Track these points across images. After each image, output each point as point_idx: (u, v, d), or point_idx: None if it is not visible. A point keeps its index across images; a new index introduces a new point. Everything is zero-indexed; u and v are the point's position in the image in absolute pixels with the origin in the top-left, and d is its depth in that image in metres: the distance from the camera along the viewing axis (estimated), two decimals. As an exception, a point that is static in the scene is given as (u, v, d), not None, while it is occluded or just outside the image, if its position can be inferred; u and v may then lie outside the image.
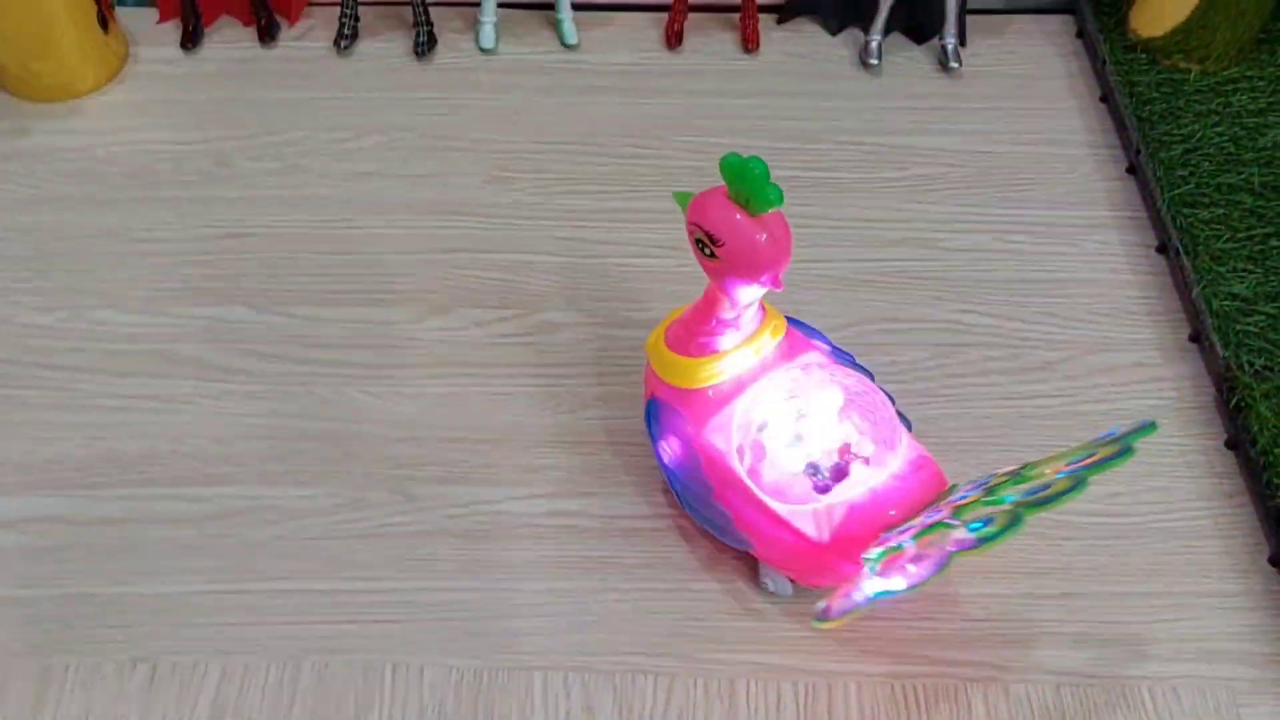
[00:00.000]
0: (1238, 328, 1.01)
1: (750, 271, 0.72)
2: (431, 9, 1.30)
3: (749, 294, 0.75)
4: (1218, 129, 1.17)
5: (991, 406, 1.00)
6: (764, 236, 0.71)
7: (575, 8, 1.32)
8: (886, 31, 1.31)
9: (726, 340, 0.79)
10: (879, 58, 1.29)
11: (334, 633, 0.85)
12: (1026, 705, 0.83)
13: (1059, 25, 1.36)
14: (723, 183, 0.71)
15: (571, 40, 1.30)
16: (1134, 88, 1.21)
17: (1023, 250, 1.13)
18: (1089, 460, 0.68)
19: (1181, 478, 0.96)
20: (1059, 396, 1.01)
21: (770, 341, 0.81)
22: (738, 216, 0.71)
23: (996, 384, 1.02)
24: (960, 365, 1.03)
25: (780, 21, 1.35)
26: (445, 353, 1.02)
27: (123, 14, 1.31)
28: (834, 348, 0.86)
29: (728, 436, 0.79)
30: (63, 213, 1.11)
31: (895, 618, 0.87)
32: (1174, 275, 1.10)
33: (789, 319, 0.84)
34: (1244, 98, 1.20)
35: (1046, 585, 0.90)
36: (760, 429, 0.80)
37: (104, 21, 1.23)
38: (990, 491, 0.73)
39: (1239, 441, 0.96)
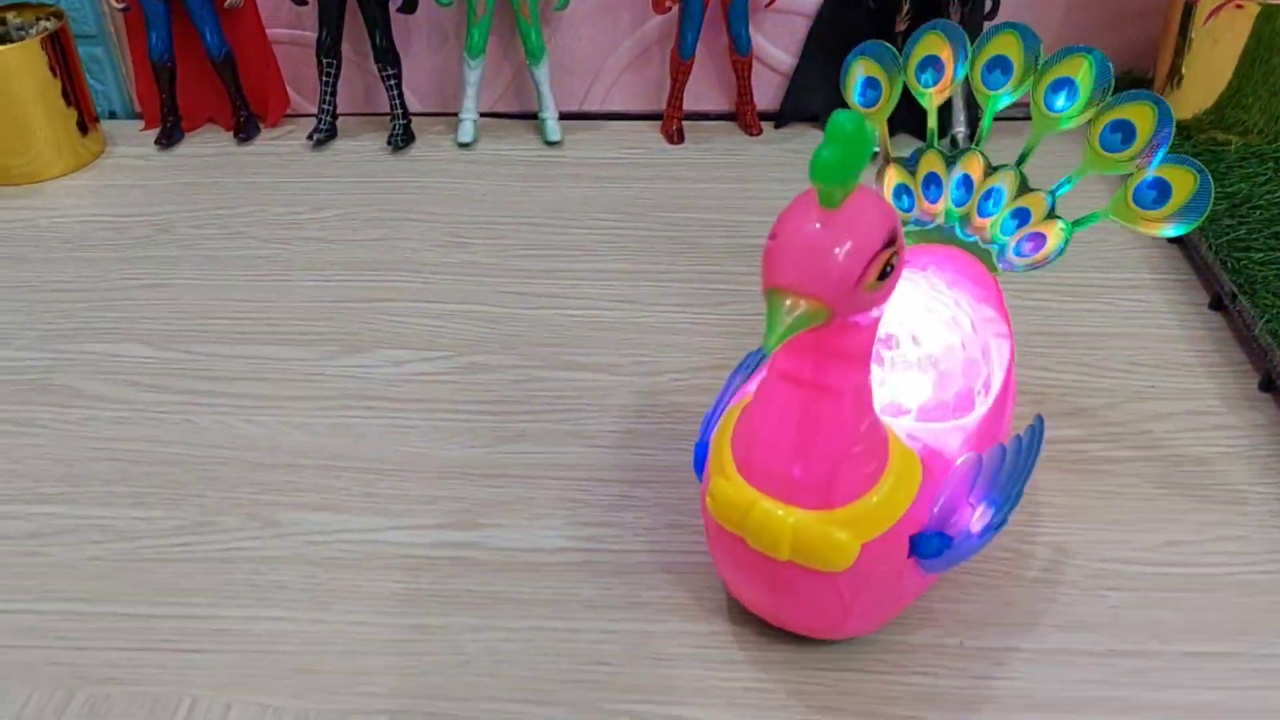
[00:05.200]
0: (1316, 358, 0.81)
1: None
2: (417, 116, 1.27)
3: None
4: (1267, 186, 1.01)
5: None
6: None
7: (565, 117, 1.27)
8: (892, 131, 1.22)
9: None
10: (880, 148, 1.19)
11: (126, 660, 0.65)
12: (1058, 783, 0.58)
13: (1083, 125, 1.26)
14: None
15: (554, 137, 1.24)
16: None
17: (1046, 307, 0.96)
18: None
19: (1267, 526, 0.74)
20: (1096, 441, 0.81)
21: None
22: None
23: (1014, 427, 0.82)
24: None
25: (778, 126, 1.28)
26: (351, 387, 0.87)
27: (114, 125, 1.30)
28: None
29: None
30: (-15, 272, 1.04)
31: (868, 669, 0.64)
32: (1235, 330, 0.91)
33: None
34: (1297, 162, 1.06)
35: (1083, 641, 0.66)
36: None
37: (84, 127, 1.22)
38: None
39: (1336, 482, 0.74)
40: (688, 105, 1.26)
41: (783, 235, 0.48)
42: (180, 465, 0.80)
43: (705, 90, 1.28)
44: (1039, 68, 0.70)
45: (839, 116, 0.45)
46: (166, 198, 1.15)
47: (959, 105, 1.18)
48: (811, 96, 1.26)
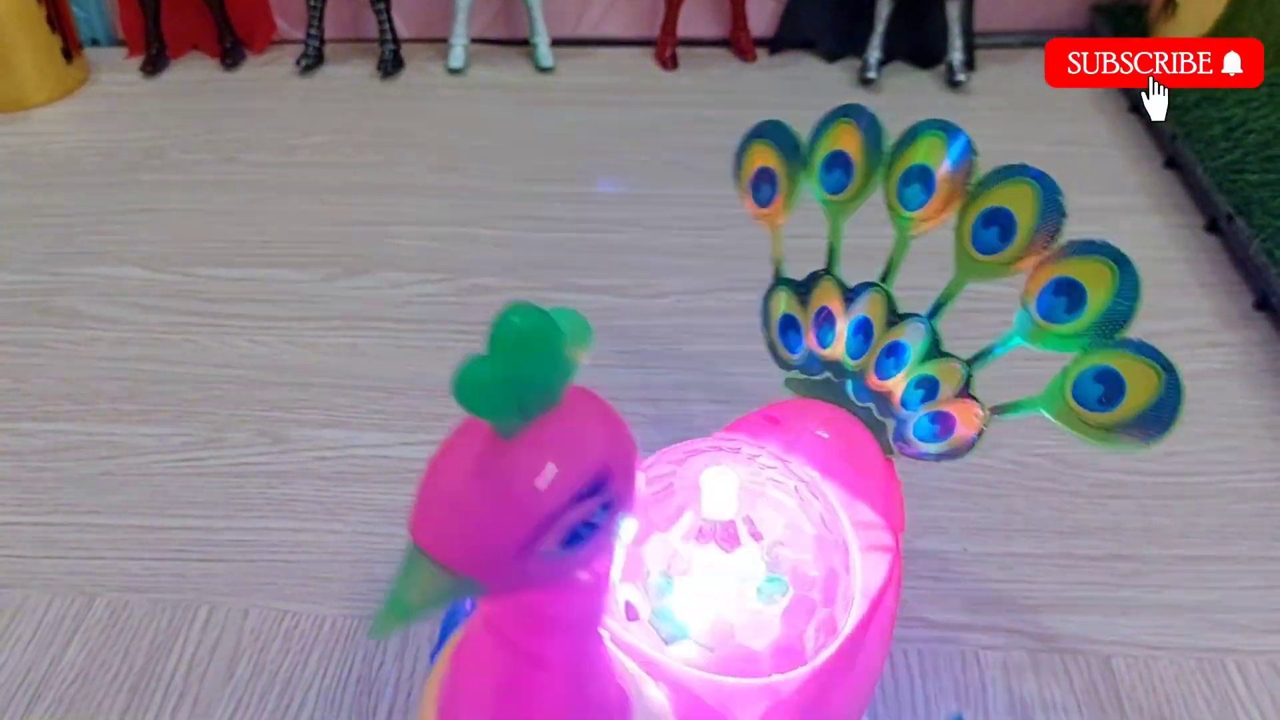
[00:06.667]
0: (1310, 276, 0.82)
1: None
2: (405, 43, 1.25)
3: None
4: (1261, 111, 1.02)
5: (1002, 367, 0.81)
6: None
7: (557, 43, 1.25)
8: (889, 57, 1.22)
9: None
10: (877, 72, 1.19)
11: (144, 569, 0.66)
12: (1064, 676, 0.60)
13: (1077, 53, 1.26)
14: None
15: (546, 63, 1.22)
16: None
17: (1043, 229, 0.97)
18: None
19: (1261, 438, 0.75)
20: (1093, 358, 0.82)
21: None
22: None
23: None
24: (967, 329, 0.85)
25: (773, 52, 1.27)
26: (353, 309, 0.87)
27: (97, 53, 1.28)
28: None
29: None
30: (-26, 197, 1.03)
31: (880, 572, 0.65)
32: (1230, 250, 0.92)
33: None
34: (1292, 88, 1.06)
35: (1087, 546, 0.68)
36: None
37: (68, 55, 1.19)
38: None
39: (1329, 394, 0.75)
40: (681, 31, 1.26)
41: (430, 473, 0.32)
42: (186, 383, 0.80)
43: (699, 15, 1.27)
44: (970, 190, 0.51)
45: (511, 314, 0.29)
46: (155, 124, 1.13)
47: (955, 31, 1.18)
48: (808, 22, 1.25)
